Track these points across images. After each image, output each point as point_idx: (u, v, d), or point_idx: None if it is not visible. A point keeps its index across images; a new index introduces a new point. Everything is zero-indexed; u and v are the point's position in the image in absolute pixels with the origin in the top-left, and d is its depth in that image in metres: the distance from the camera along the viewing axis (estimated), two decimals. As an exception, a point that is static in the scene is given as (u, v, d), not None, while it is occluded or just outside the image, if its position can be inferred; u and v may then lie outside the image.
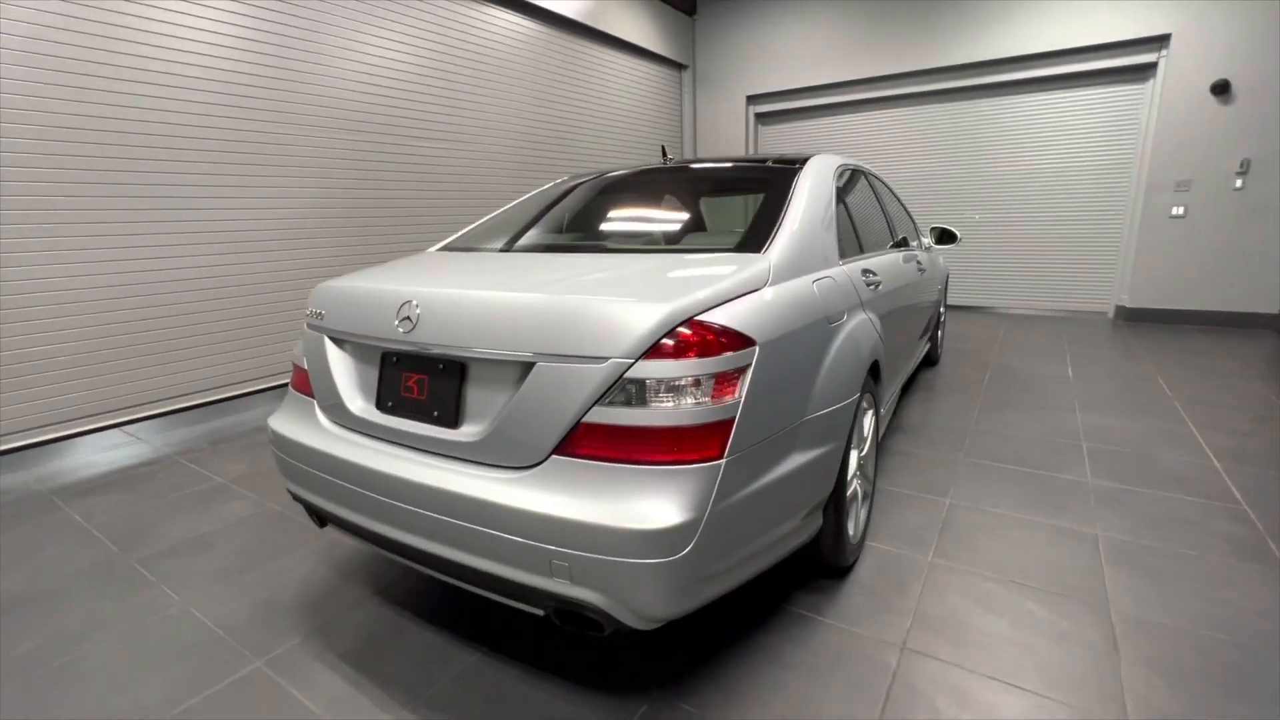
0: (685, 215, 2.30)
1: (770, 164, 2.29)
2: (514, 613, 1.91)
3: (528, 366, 1.38)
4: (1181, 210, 5.68)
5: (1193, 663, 1.64)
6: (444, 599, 2.00)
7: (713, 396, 1.28)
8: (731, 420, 1.30)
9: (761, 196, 2.05)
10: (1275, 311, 5.48)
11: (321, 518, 1.87)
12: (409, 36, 4.72)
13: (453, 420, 1.50)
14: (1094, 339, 5.44)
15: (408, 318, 1.53)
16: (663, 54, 7.40)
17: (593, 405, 1.29)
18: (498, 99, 5.48)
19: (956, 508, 2.49)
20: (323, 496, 1.73)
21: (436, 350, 1.49)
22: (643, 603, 1.29)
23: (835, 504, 1.81)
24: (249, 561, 2.26)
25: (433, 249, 2.33)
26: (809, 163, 2.24)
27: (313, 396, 1.81)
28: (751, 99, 7.79)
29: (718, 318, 1.35)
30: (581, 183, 2.64)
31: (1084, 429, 3.31)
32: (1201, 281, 5.73)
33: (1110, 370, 4.43)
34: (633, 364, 1.27)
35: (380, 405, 1.63)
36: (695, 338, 1.29)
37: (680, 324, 1.30)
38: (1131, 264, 6.01)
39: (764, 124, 7.97)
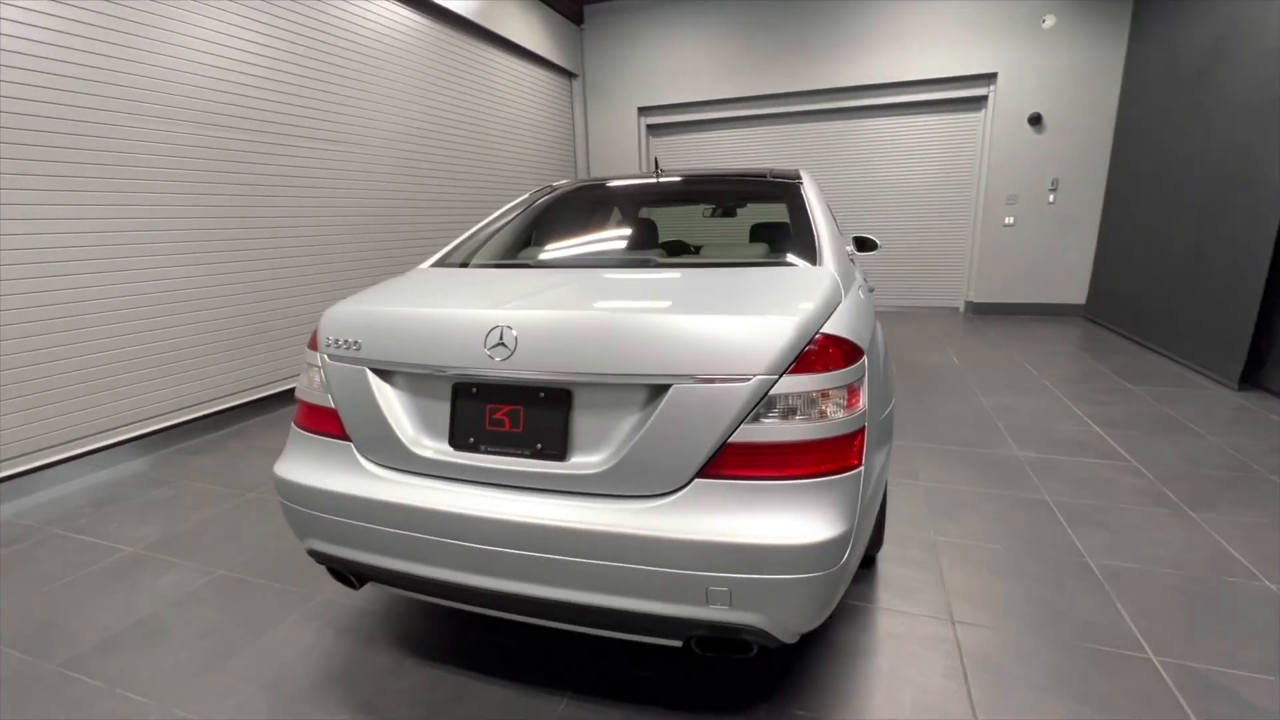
0: (709, 227, 2.32)
1: (769, 178, 2.39)
2: (585, 649, 1.80)
3: (658, 390, 1.32)
4: (1012, 220, 6.78)
5: (1164, 596, 1.99)
6: (491, 646, 1.83)
7: (847, 407, 1.32)
8: (863, 429, 1.35)
9: (777, 208, 2.14)
10: (1082, 302, 6.74)
11: (360, 576, 1.63)
12: (278, 27, 4.21)
13: (560, 452, 1.39)
14: (956, 330, 6.30)
15: (501, 344, 1.39)
16: (553, 60, 7.32)
17: (739, 424, 1.27)
18: (383, 98, 5.07)
19: (931, 489, 2.77)
20: (370, 551, 1.51)
21: (540, 378, 1.37)
22: (801, 617, 1.30)
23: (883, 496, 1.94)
24: (226, 643, 1.89)
25: (426, 264, 2.12)
26: (802, 175, 2.37)
27: (344, 438, 1.57)
28: (643, 110, 7.98)
29: (837, 329, 1.39)
30: (567, 193, 2.56)
31: (991, 409, 3.83)
32: (1029, 279, 6.87)
33: (985, 357, 5.16)
34: (777, 380, 1.27)
35: (457, 443, 1.46)
36: (828, 350, 1.32)
37: (812, 338, 1.33)
38: (976, 265, 7.05)
39: (655, 135, 8.19)
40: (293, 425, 1.70)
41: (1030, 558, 2.22)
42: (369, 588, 2.14)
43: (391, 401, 1.52)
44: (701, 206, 2.99)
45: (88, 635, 1.94)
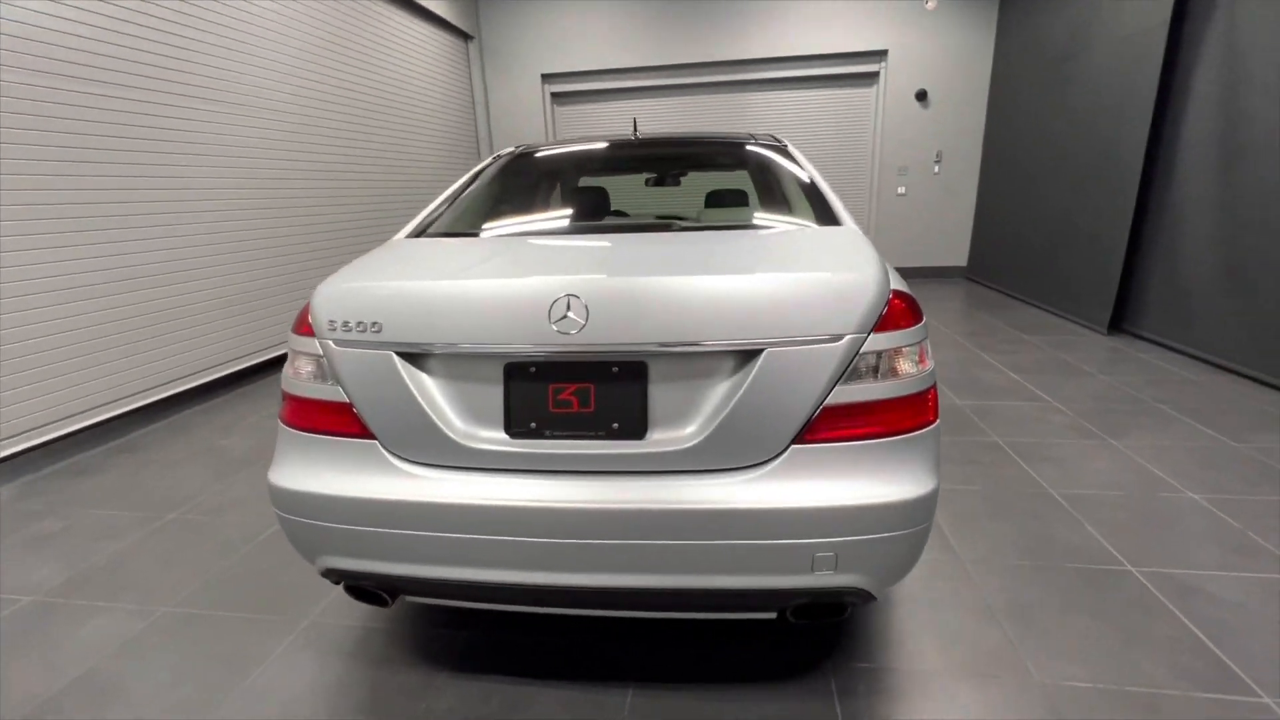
0: (713, 191, 2.24)
1: (758, 140, 2.35)
2: (638, 634, 1.72)
3: (747, 355, 1.25)
4: (904, 190, 7.32)
5: (1119, 515, 2.25)
6: (531, 649, 1.69)
7: (921, 363, 1.33)
8: (935, 384, 1.37)
9: (735, 176, 2.13)
10: (964, 264, 7.46)
11: (394, 591, 1.43)
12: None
13: (639, 430, 1.28)
14: (863, 294, 6.73)
15: (568, 316, 1.24)
16: (447, 19, 6.77)
17: (834, 386, 1.24)
18: (268, 55, 4.45)
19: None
20: (414, 562, 1.33)
21: (615, 351, 1.25)
22: (899, 572, 1.31)
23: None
24: (206, 690, 1.59)
25: (404, 234, 1.87)
26: (785, 141, 2.36)
27: (366, 435, 1.35)
28: (547, 78, 7.64)
29: (902, 287, 1.39)
30: (545, 156, 2.38)
31: (921, 364, 4.13)
32: (919, 244, 7.49)
33: (897, 317, 5.56)
34: (866, 338, 1.25)
35: (515, 430, 1.30)
36: (904, 307, 1.32)
37: (887, 297, 1.32)
38: (873, 233, 7.56)
39: (560, 104, 7.89)
40: (282, 426, 1.44)
41: (1005, 495, 2.42)
42: (355, 603, 1.90)
43: (429, 390, 1.33)
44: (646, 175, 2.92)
45: (14, 708, 1.55)
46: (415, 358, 1.33)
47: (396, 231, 1.93)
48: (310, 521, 1.35)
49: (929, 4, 6.69)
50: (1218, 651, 1.60)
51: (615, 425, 1.28)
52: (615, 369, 1.28)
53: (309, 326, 1.40)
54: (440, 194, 2.12)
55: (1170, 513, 2.26)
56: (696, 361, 1.27)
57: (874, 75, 7.17)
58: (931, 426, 1.32)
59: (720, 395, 1.26)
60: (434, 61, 6.72)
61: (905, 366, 1.29)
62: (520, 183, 2.30)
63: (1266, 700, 1.45)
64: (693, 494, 1.24)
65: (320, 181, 4.94)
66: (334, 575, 1.41)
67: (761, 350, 1.23)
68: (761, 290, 1.25)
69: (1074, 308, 5.15)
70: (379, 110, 5.69)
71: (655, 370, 1.28)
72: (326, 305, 1.37)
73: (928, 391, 1.32)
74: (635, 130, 2.57)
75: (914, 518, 1.25)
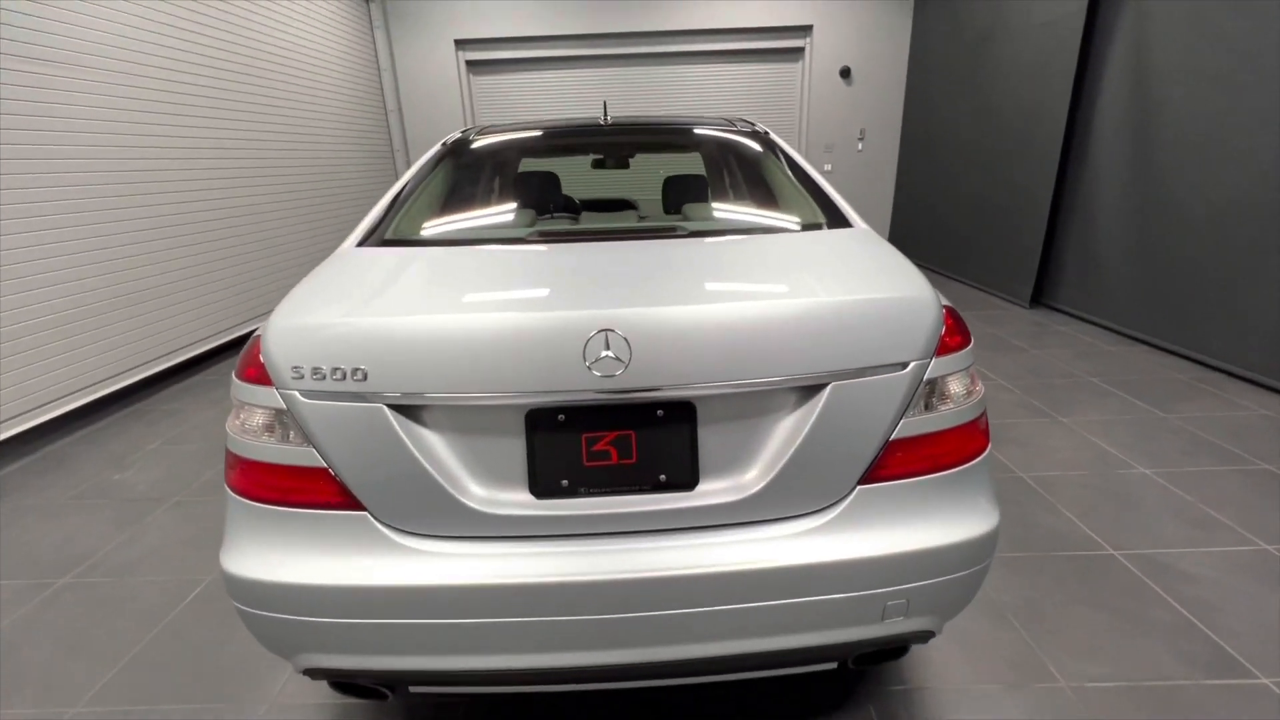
0: (699, 185, 2.06)
1: (739, 127, 2.19)
2: (672, 692, 1.57)
3: (810, 390, 1.11)
4: (830, 167, 7.43)
5: (1085, 496, 2.36)
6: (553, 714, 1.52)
7: (974, 384, 1.25)
8: (985, 407, 1.30)
9: (689, 159, 2.00)
10: (886, 238, 7.71)
11: (393, 685, 1.20)
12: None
13: (689, 480, 1.12)
14: (796, 272, 6.83)
15: (609, 354, 1.04)
16: (344, -24, 6.07)
17: (900, 418, 1.13)
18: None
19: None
20: (422, 654, 1.11)
21: (661, 394, 1.07)
22: (962, 606, 1.24)
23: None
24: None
25: (352, 243, 1.58)
26: (766, 128, 2.22)
27: (352, 506, 1.10)
28: (461, 44, 7.05)
29: (946, 301, 1.30)
30: (509, 142, 2.12)
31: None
32: (844, 221, 7.65)
33: (834, 296, 5.66)
34: (930, 363, 1.14)
35: (542, 489, 1.10)
36: (955, 324, 1.23)
37: (944, 314, 1.22)
38: (801, 210, 7.65)
39: (476, 73, 7.33)
40: (231, 495, 1.16)
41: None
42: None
43: (431, 447, 1.09)
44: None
45: None
46: (413, 409, 1.09)
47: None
48: (286, 618, 1.10)
49: (851, -21, 6.71)
50: (1210, 634, 1.68)
51: (662, 477, 1.11)
52: (660, 412, 1.10)
53: (263, 373, 1.12)
54: (386, 189, 1.82)
55: (1129, 490, 2.38)
56: (752, 400, 1.12)
57: (799, 51, 7.16)
58: (987, 452, 1.25)
59: (781, 436, 1.12)
60: (329, 21, 6.01)
61: (963, 391, 1.20)
62: (483, 175, 2.03)
63: (1265, 681, 1.53)
64: (754, 551, 1.10)
65: (188, 161, 4.25)
66: (319, 674, 1.17)
67: (826, 384, 1.09)
68: (822, 316, 1.11)
69: (997, 283, 5.44)
70: (256, 75, 5.00)
71: (705, 411, 1.11)
72: (286, 347, 1.10)
73: (982, 416, 1.24)
74: (606, 115, 2.33)
75: (984, 552, 1.18)
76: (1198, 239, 3.61)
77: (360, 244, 1.56)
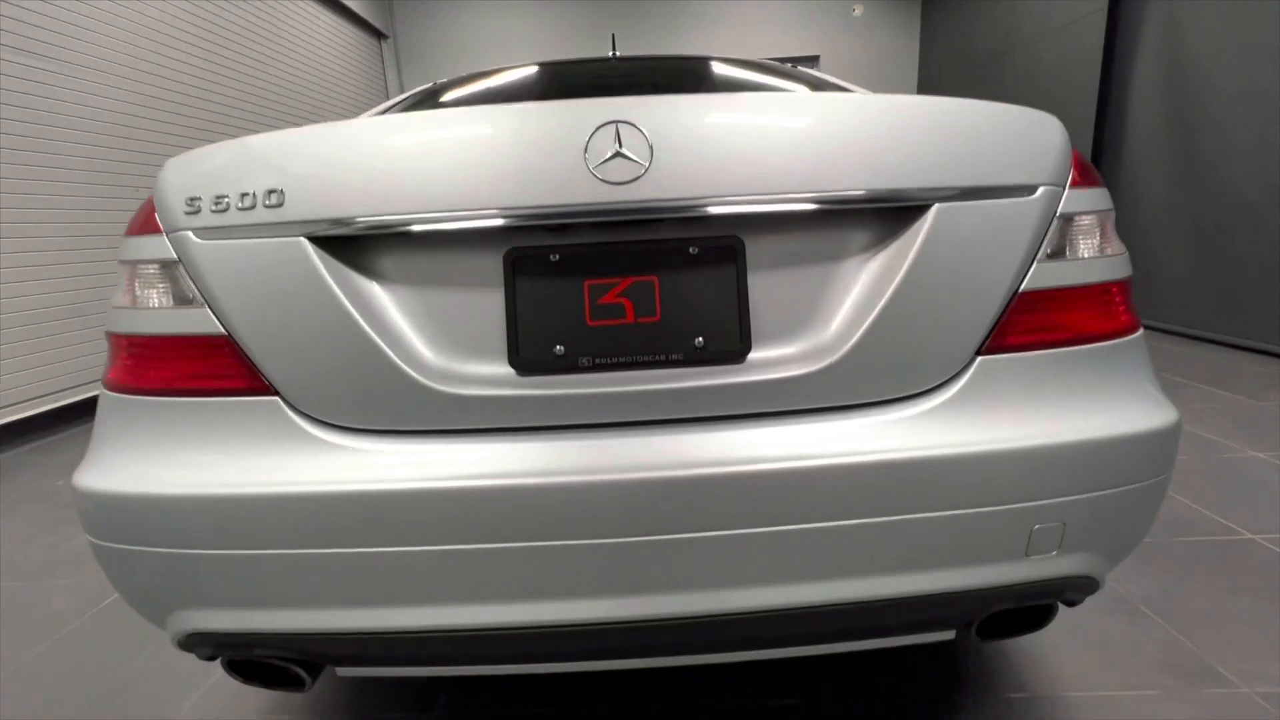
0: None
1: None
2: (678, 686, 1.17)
3: (903, 215, 0.79)
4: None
5: (1196, 480, 1.96)
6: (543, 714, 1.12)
7: (1115, 241, 0.92)
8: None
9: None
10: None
11: (314, 662, 0.84)
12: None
13: (737, 347, 0.78)
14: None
15: (619, 154, 0.74)
16: (358, 12, 6.18)
17: (1031, 262, 0.80)
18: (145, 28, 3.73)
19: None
20: (346, 604, 0.76)
21: (692, 212, 0.75)
22: (1130, 544, 0.87)
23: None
24: None
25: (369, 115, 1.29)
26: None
27: (261, 389, 0.78)
28: (470, 82, 7.13)
29: None
30: (480, 90, 1.81)
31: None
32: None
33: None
34: (1064, 193, 0.83)
35: (527, 361, 0.77)
36: (1083, 164, 0.91)
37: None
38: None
39: (485, 111, 7.38)
40: (104, 395, 0.84)
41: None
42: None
43: (371, 300, 0.78)
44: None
45: None
46: (344, 246, 0.78)
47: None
48: (158, 550, 0.75)
49: (856, 11, 6.78)
50: None
51: (698, 342, 0.78)
52: (694, 250, 0.78)
53: (152, 218, 0.82)
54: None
55: (1246, 473, 1.98)
56: (822, 230, 0.80)
57: (807, 81, 7.17)
58: (1141, 332, 0.91)
59: (867, 283, 0.79)
60: (347, 57, 6.09)
61: (1109, 239, 0.87)
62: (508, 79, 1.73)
63: None
64: (837, 439, 0.75)
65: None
66: (203, 644, 0.80)
67: (929, 205, 0.77)
68: (921, 110, 0.80)
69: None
70: (269, 103, 4.97)
71: (757, 247, 0.79)
72: (184, 174, 0.80)
73: (1129, 280, 0.91)
74: (614, 49, 2.11)
75: (1161, 459, 0.82)
76: (1255, 229, 3.31)
77: None
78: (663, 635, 0.78)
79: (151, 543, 0.75)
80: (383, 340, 0.75)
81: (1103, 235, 0.86)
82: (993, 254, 0.79)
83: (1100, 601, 1.39)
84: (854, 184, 0.76)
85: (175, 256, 0.79)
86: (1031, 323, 0.80)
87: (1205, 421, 2.43)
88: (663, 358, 0.77)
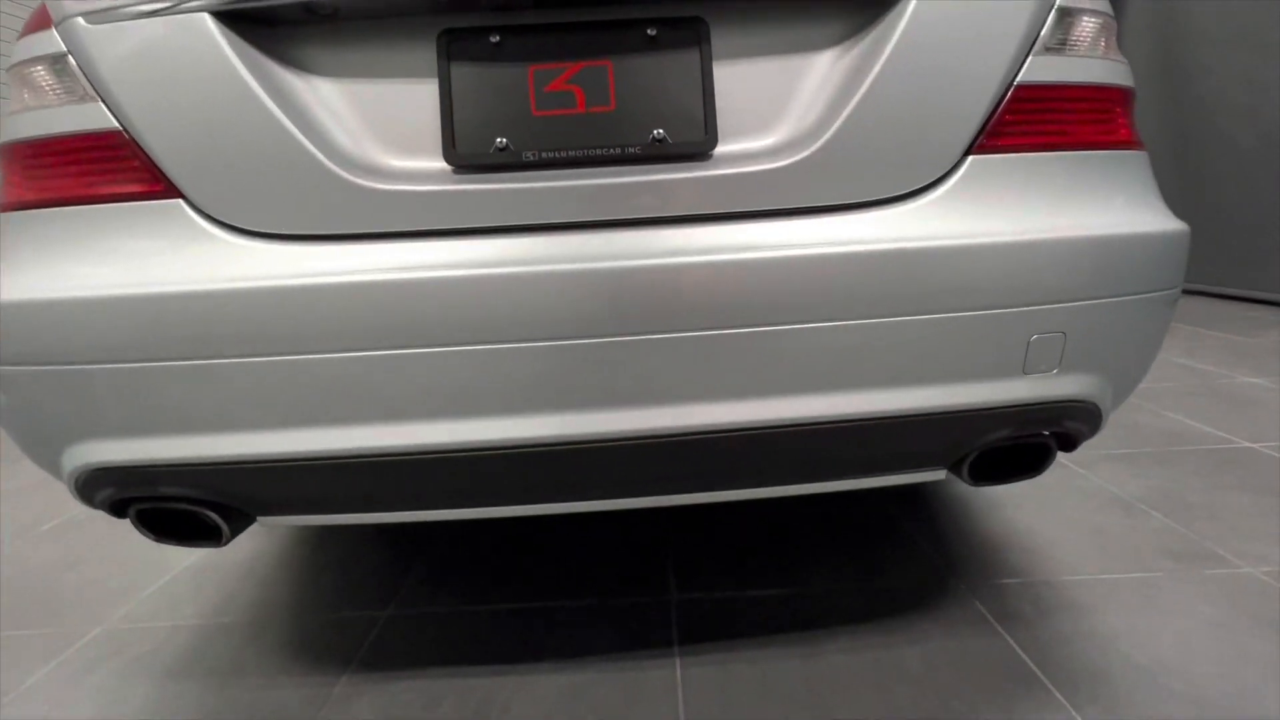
0: None
1: None
2: (643, 568, 1.10)
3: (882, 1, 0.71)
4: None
5: (1193, 400, 1.90)
6: (484, 618, 1.04)
7: (1116, 46, 0.84)
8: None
9: None
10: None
11: (229, 505, 0.75)
12: None
13: (702, 139, 0.70)
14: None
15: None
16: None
17: (1027, 53, 0.72)
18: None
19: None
20: (260, 427, 0.68)
21: None
22: (1136, 371, 0.81)
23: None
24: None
25: None
26: None
27: (161, 191, 0.68)
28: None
29: None
30: None
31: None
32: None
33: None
34: (1063, -19, 0.75)
35: (464, 156, 0.69)
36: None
37: None
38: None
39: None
40: None
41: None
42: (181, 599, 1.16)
43: (285, 87, 0.69)
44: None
45: None
46: (256, 29, 0.69)
47: None
48: (42, 368, 0.66)
49: None
50: None
51: (657, 134, 0.69)
52: (652, 31, 0.69)
53: (44, 13, 0.72)
54: None
55: (1240, 394, 1.93)
56: (796, 14, 0.72)
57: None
58: (1145, 152, 0.83)
59: (843, 73, 0.71)
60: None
61: (1110, 48, 0.79)
62: None
63: None
64: (819, 234, 0.67)
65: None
66: (104, 484, 0.71)
67: (909, -14, 0.69)
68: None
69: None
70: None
71: (722, 26, 0.71)
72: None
73: (1133, 93, 0.83)
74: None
75: (1169, 269, 0.76)
76: (1246, 177, 3.26)
77: None
78: (619, 461, 0.70)
79: (38, 360, 0.66)
80: (298, 128, 0.66)
81: (1105, 42, 0.78)
82: (983, 43, 0.71)
83: (1087, 496, 1.33)
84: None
85: (64, 49, 0.70)
86: (1027, 121, 0.73)
87: (1198, 355, 2.38)
88: (618, 151, 0.69)
